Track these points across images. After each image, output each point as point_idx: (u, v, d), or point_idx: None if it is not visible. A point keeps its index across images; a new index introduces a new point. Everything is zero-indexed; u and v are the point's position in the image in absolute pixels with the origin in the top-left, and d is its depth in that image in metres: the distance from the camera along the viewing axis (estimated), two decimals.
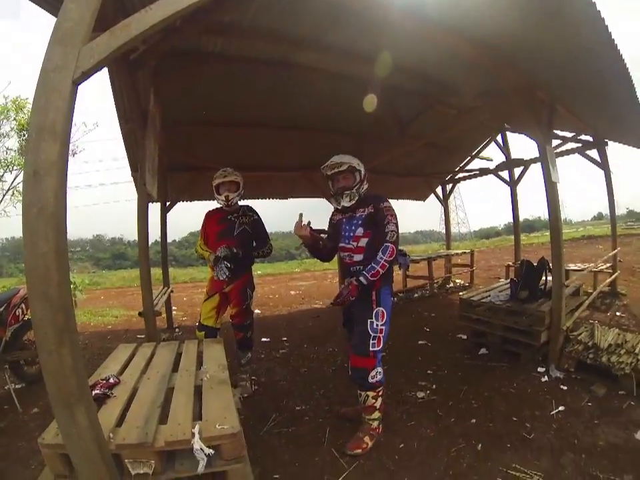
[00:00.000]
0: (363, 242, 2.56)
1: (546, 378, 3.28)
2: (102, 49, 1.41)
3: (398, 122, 5.90)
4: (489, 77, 3.45)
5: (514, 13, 2.34)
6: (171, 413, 1.78)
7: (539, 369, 3.43)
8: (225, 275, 3.17)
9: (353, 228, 2.60)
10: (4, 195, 8.89)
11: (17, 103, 8.43)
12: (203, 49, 3.80)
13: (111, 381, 2.06)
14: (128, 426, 1.66)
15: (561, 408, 2.78)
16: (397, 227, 2.50)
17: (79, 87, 1.42)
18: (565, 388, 3.09)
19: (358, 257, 2.57)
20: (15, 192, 9.08)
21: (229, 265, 3.18)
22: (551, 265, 3.72)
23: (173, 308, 6.56)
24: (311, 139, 6.22)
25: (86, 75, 1.40)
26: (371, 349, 2.42)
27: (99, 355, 4.50)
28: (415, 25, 2.77)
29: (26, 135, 8.35)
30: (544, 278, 4.14)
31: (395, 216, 2.53)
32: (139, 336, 5.34)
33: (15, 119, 8.45)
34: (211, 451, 1.56)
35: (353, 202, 2.58)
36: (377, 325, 2.44)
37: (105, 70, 3.31)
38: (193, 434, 1.57)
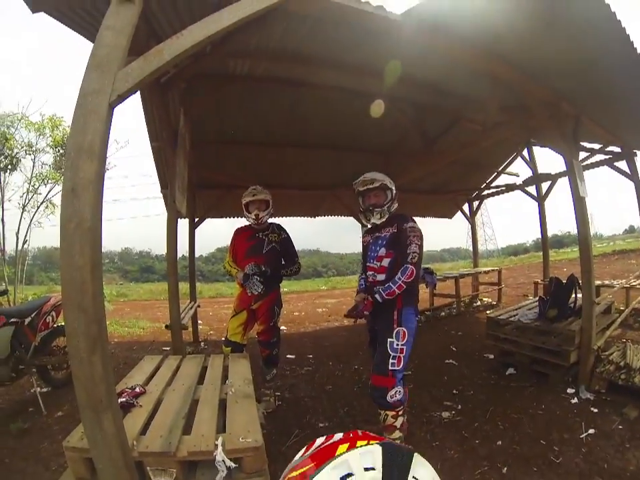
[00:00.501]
0: (386, 262, 2.56)
1: (576, 399, 3.17)
2: (136, 74, 1.49)
3: (424, 139, 5.87)
4: (513, 91, 3.43)
5: (533, 22, 2.35)
6: (195, 424, 1.81)
7: (569, 390, 3.32)
8: (259, 289, 3.14)
9: (378, 248, 2.62)
10: (38, 207, 9.27)
11: (53, 121, 8.84)
12: (230, 71, 3.90)
13: (137, 390, 2.11)
14: (152, 435, 1.70)
15: (590, 431, 2.68)
16: (419, 248, 2.48)
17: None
18: (596, 410, 2.98)
19: (381, 277, 2.57)
20: (48, 204, 9.46)
21: (260, 279, 3.17)
22: (580, 281, 3.62)
23: (199, 322, 6.65)
24: (337, 158, 6.28)
25: (121, 98, 1.48)
26: (390, 368, 2.40)
27: (125, 365, 4.61)
28: (437, 41, 2.79)
29: (61, 151, 8.70)
30: (573, 295, 4.02)
31: (420, 236, 2.51)
32: (164, 348, 5.45)
33: (50, 135, 8.85)
34: (232, 464, 1.57)
35: (383, 220, 2.59)
36: (398, 345, 2.43)
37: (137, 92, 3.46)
38: (217, 445, 1.59)
